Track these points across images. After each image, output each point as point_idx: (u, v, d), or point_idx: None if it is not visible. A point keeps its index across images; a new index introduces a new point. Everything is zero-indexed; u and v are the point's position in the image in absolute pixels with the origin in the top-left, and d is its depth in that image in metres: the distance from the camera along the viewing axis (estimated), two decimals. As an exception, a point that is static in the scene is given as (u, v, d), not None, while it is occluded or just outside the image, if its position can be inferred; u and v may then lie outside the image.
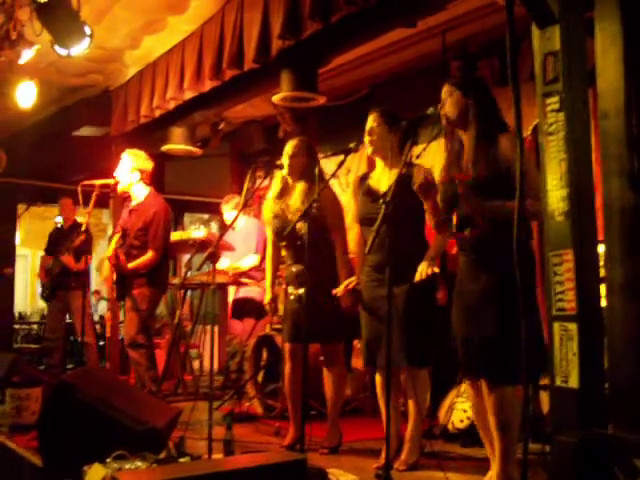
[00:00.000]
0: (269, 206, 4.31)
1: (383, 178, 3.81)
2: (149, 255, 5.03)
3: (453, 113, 3.18)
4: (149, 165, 5.21)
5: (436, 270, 3.48)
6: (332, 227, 4.12)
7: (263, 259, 5.98)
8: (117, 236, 5.13)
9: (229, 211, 6.30)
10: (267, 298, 4.35)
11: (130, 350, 5.01)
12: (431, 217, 3.57)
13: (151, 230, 5.05)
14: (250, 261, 6.01)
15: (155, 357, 5.23)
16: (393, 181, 3.28)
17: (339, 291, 3.90)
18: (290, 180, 4.22)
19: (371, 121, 3.82)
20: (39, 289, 7.23)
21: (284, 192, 4.24)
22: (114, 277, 5.11)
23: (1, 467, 3.80)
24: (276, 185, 4.31)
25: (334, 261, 4.10)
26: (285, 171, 4.20)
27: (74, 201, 6.80)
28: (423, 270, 3.47)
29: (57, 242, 6.95)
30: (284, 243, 4.19)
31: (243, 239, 6.13)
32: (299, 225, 3.82)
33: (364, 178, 3.96)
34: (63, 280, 6.70)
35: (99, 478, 2.70)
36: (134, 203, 5.19)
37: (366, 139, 3.82)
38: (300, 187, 4.14)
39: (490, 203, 2.99)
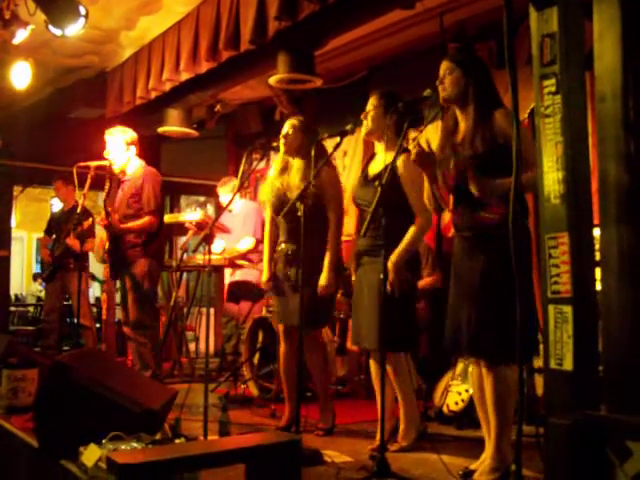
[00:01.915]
0: (269, 184, 4.31)
1: (379, 162, 3.81)
2: (145, 219, 4.98)
3: (452, 91, 3.17)
4: (136, 137, 5.21)
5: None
6: (329, 207, 4.11)
7: (259, 242, 5.99)
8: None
9: (226, 194, 6.29)
10: (265, 277, 4.35)
11: (135, 331, 4.97)
12: (432, 193, 3.52)
13: (143, 196, 5.01)
14: (246, 244, 6.00)
15: (159, 338, 5.23)
16: (387, 164, 3.28)
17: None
18: (289, 158, 4.22)
19: (369, 103, 3.82)
20: (36, 270, 7.23)
21: (284, 170, 4.24)
22: (106, 246, 5.03)
23: (-3, 448, 3.82)
24: (277, 164, 4.33)
25: (325, 245, 4.10)
26: (282, 149, 4.21)
27: (66, 183, 6.82)
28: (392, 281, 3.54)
29: (58, 224, 6.94)
30: (282, 221, 4.19)
31: (242, 222, 6.12)
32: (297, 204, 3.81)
33: (369, 162, 3.95)
34: (63, 262, 6.71)
35: (95, 459, 2.71)
36: (126, 177, 5.17)
37: (363, 121, 3.82)
38: (297, 164, 4.15)
39: (492, 181, 2.98)
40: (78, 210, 5.61)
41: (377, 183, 3.14)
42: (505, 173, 2.87)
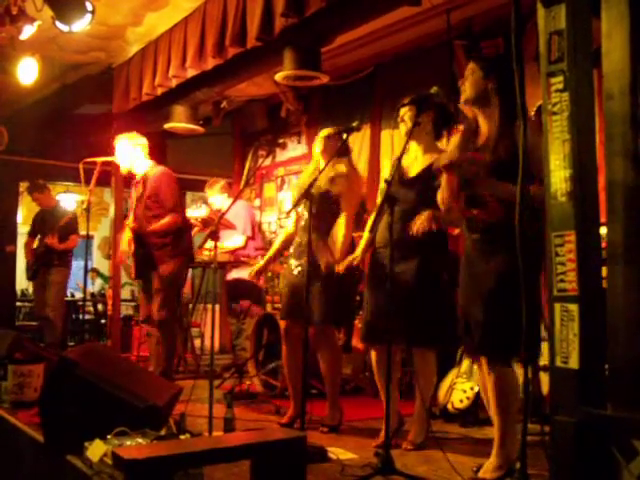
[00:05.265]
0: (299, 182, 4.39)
1: (417, 162, 3.76)
2: (167, 218, 4.97)
3: (471, 93, 3.15)
4: (144, 138, 5.22)
5: (433, 227, 3.44)
6: (342, 204, 4.11)
7: (250, 239, 6.06)
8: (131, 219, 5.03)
9: (213, 195, 6.35)
10: (255, 267, 4.49)
11: (161, 331, 4.97)
12: (443, 192, 3.49)
13: (160, 195, 5.00)
14: (235, 242, 6.04)
15: (177, 333, 5.24)
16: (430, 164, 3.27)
17: (340, 269, 3.89)
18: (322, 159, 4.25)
19: (407, 110, 3.72)
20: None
21: (315, 170, 4.27)
22: (132, 248, 5.01)
23: (3, 443, 3.84)
24: (312, 164, 4.36)
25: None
26: (319, 149, 4.23)
27: (41, 190, 7.04)
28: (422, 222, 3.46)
29: (42, 224, 7.07)
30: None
31: (231, 220, 6.14)
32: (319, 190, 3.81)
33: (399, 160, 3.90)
34: (46, 258, 6.88)
35: (100, 454, 2.71)
36: (138, 177, 5.16)
37: (406, 127, 3.72)
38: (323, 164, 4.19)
39: (501, 183, 2.96)
40: (84, 206, 5.63)
41: (383, 181, 3.13)
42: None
